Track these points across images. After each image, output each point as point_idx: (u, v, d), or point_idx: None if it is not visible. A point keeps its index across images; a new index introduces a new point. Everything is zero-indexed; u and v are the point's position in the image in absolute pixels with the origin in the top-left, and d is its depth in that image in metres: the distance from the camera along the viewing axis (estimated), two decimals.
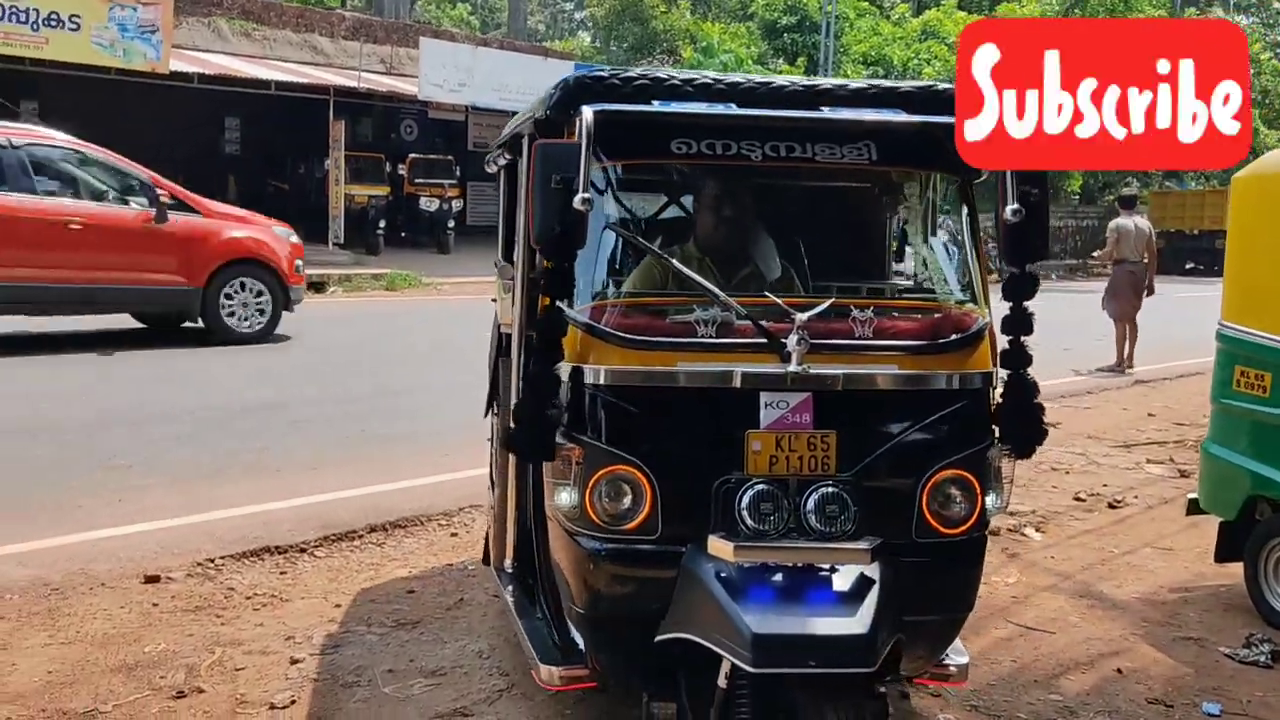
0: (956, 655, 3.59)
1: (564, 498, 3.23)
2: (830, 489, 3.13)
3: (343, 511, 6.27)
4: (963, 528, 3.25)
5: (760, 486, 3.12)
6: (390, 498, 6.56)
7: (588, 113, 3.17)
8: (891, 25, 32.35)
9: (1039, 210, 3.22)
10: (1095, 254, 14.24)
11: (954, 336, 3.37)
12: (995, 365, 3.40)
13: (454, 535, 6.16)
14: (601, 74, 3.41)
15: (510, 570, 4.38)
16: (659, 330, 3.31)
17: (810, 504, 3.13)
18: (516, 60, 22.88)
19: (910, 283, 3.91)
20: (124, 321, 12.20)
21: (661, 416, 3.23)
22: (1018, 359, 3.32)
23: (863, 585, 2.97)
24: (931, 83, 3.68)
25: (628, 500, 3.18)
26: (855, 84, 3.56)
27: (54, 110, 20.76)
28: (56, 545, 5.42)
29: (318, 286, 18.19)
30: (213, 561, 5.45)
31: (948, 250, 3.78)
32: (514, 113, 4.53)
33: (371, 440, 7.93)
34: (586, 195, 3.11)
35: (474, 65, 21.51)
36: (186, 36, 21.44)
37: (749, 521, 3.09)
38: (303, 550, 5.74)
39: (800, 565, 3.03)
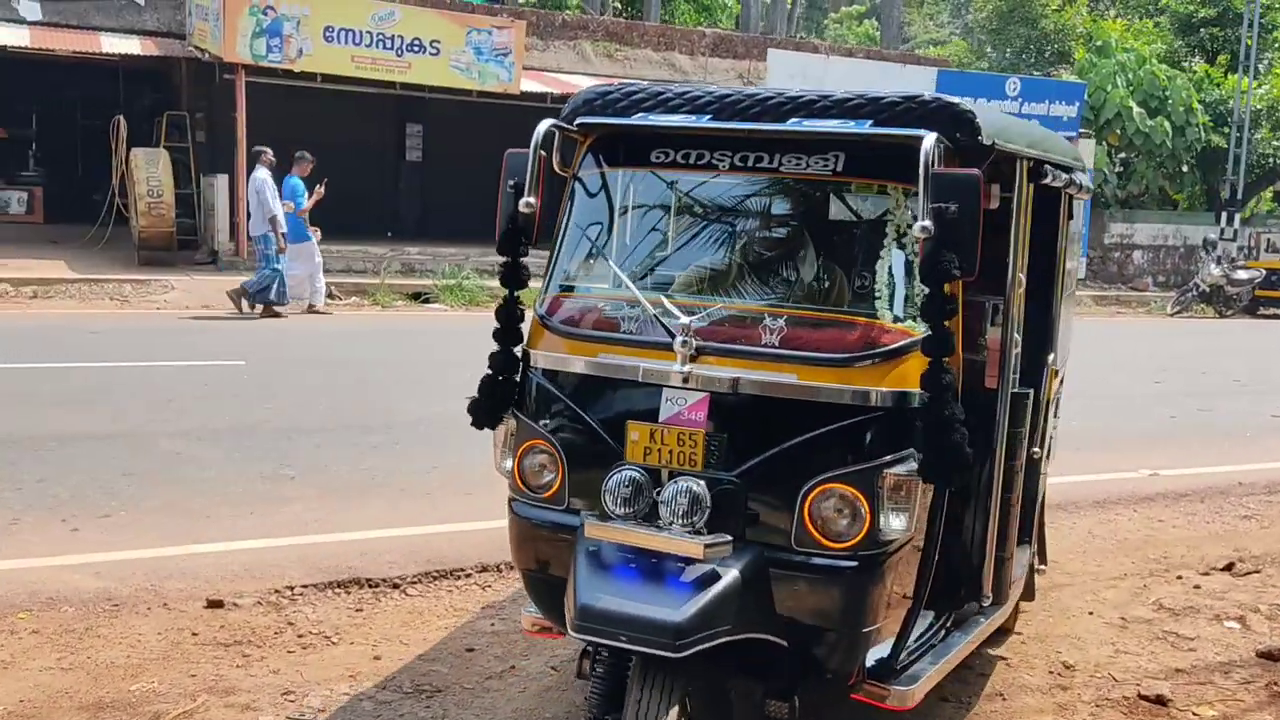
0: (903, 682, 3.56)
1: (505, 464, 3.72)
2: (685, 484, 3.27)
3: (463, 545, 5.74)
4: (848, 544, 3.25)
5: (626, 473, 3.33)
6: None
7: (541, 126, 3.61)
8: None
9: (961, 227, 3.14)
10: None
11: (859, 351, 3.33)
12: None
13: None
14: (607, 90, 3.83)
15: None
16: (591, 323, 3.66)
17: (665, 495, 3.28)
18: (871, 69, 21.71)
19: (851, 295, 3.60)
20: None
21: (578, 400, 3.57)
22: (932, 382, 3.19)
23: (705, 579, 3.14)
24: (911, 94, 3.53)
25: (545, 472, 3.60)
26: (838, 95, 3.54)
27: (436, 132, 22.35)
28: (146, 557, 5.30)
29: None
30: (292, 589, 5.10)
31: (906, 266, 3.45)
32: None
33: None
34: (530, 199, 3.51)
35: (824, 76, 20.58)
36: (552, 59, 22.26)
37: (608, 504, 3.33)
38: (396, 586, 5.27)
39: (656, 551, 3.22)
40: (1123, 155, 24.63)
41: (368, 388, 9.20)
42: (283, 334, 11.96)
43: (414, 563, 5.48)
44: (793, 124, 3.50)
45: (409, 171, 22.79)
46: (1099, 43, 24.94)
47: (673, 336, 3.31)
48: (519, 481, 3.65)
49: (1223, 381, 12.44)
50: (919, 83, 21.19)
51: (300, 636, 4.68)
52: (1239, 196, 24.84)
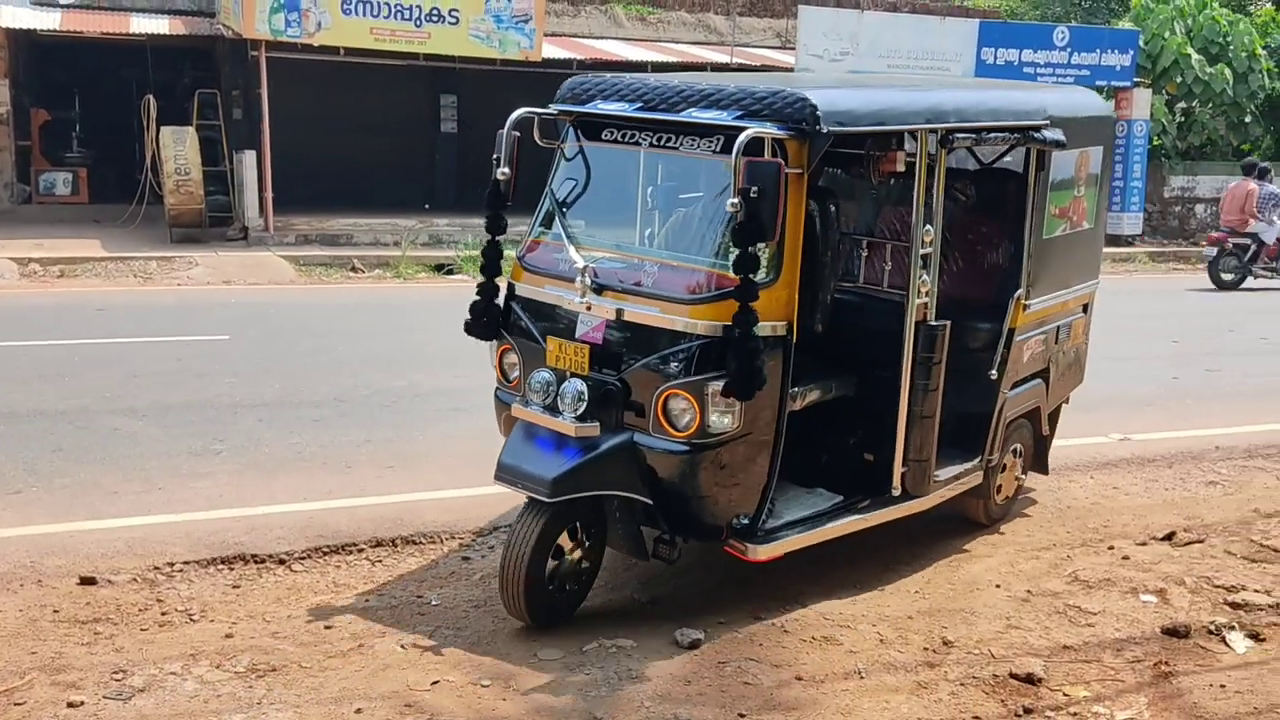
0: (760, 542, 4.67)
1: (492, 361, 5.12)
2: (574, 384, 4.54)
3: (363, 519, 5.69)
4: (685, 434, 4.42)
5: (542, 374, 4.65)
6: (421, 508, 5.89)
7: (516, 112, 4.91)
8: None
9: (762, 204, 4.12)
10: None
11: (701, 294, 4.45)
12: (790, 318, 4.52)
13: (465, 560, 5.39)
14: (583, 80, 5.07)
15: None
16: (545, 261, 4.90)
17: (561, 391, 4.55)
18: (907, 23, 20.95)
19: (716, 249, 4.56)
20: None
21: (531, 318, 4.87)
22: (741, 319, 4.23)
23: (581, 449, 4.45)
24: (778, 89, 4.48)
25: (514, 369, 4.97)
26: (728, 89, 4.57)
27: (470, 103, 22.27)
28: (35, 534, 5.34)
29: None
30: (172, 566, 5.11)
31: None
32: None
33: (455, 437, 7.13)
34: (504, 170, 4.86)
35: (858, 31, 19.95)
36: (584, 25, 21.99)
37: (528, 394, 4.69)
38: (281, 562, 5.25)
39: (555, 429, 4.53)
40: (1182, 105, 23.55)
41: (339, 361, 9.16)
42: (282, 309, 12.01)
43: (304, 538, 5.46)
44: (685, 114, 4.55)
45: (444, 143, 22.76)
46: None
47: (577, 276, 4.57)
48: (499, 374, 5.09)
49: (1248, 340, 11.81)
50: (959, 35, 20.52)
51: (164, 614, 4.69)
52: None
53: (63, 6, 18.41)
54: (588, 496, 4.51)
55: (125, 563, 5.10)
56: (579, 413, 4.46)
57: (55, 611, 4.62)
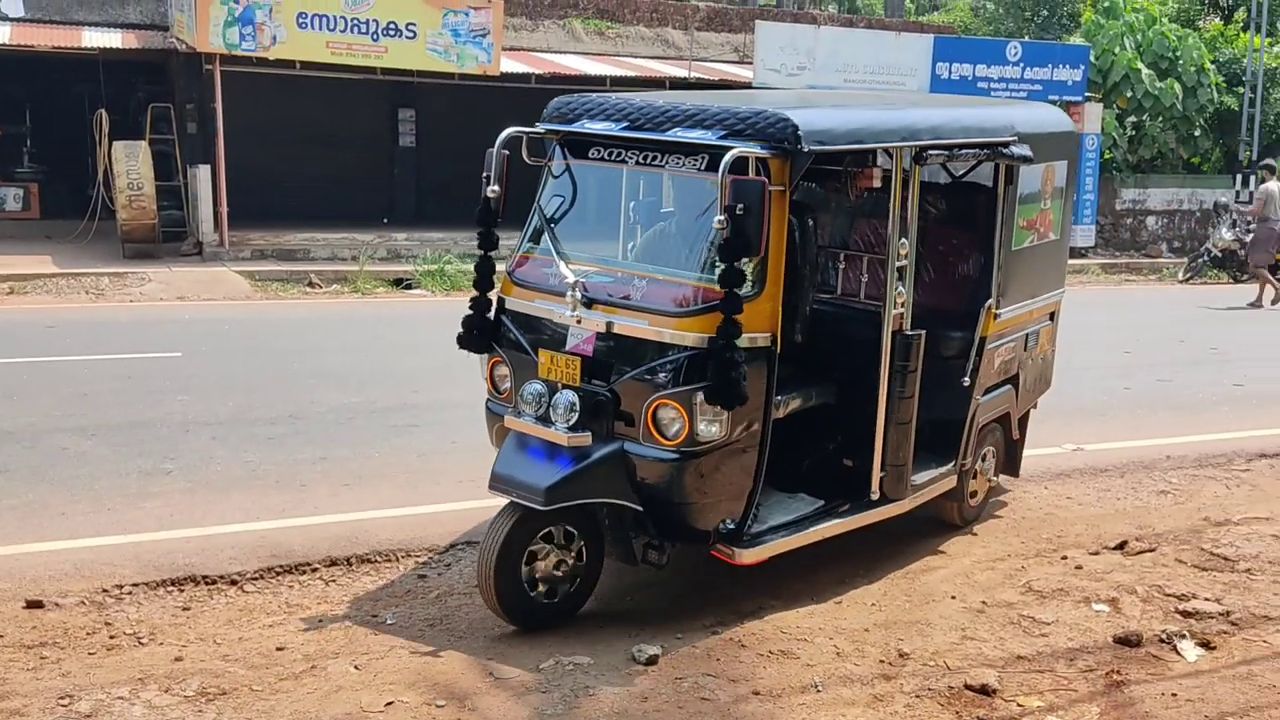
0: (746, 546, 4.77)
1: (483, 374, 5.18)
2: (566, 395, 4.59)
3: (318, 538, 5.63)
4: (674, 442, 4.52)
5: (534, 385, 4.73)
6: (377, 526, 5.83)
7: (505, 131, 4.98)
8: None
9: (748, 221, 4.25)
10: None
11: (688, 307, 4.54)
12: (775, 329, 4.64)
13: (422, 578, 5.33)
14: (569, 100, 5.13)
15: None
16: (535, 276, 4.98)
17: (553, 402, 4.61)
18: (862, 38, 21.17)
19: (703, 264, 4.63)
20: None
21: (522, 331, 4.96)
22: (725, 331, 4.34)
23: (577, 460, 4.53)
24: (761, 109, 4.60)
25: (504, 381, 5.08)
26: (713, 109, 4.65)
27: (428, 117, 22.20)
28: None
29: None
30: (120, 588, 5.03)
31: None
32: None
33: (412, 453, 7.16)
34: (494, 188, 4.95)
35: (815, 47, 20.12)
36: (543, 39, 22.00)
37: (520, 406, 4.76)
38: (233, 583, 5.18)
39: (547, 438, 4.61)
40: (1132, 119, 23.91)
41: (295, 378, 9.07)
42: (237, 325, 11.89)
43: (256, 558, 5.39)
44: (671, 134, 4.65)
45: (403, 157, 22.63)
46: (1106, 3, 24.22)
47: (567, 290, 4.64)
48: (491, 386, 5.17)
49: (1197, 350, 11.99)
50: (914, 50, 20.73)
51: (112, 638, 4.61)
52: (1254, 158, 24.08)
53: (13, 20, 18.15)
54: (574, 504, 4.58)
55: (73, 585, 5.00)
56: (571, 423, 4.55)
57: (0, 636, 4.53)
